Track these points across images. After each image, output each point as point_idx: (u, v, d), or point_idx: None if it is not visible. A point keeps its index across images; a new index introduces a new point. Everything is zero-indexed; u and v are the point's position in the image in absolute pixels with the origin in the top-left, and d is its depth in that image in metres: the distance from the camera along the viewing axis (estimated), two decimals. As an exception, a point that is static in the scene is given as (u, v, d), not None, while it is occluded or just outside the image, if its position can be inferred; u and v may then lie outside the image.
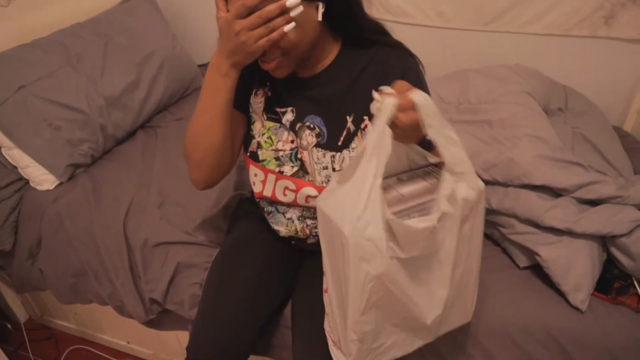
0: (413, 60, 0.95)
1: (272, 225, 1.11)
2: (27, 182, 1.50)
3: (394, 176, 0.84)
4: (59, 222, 1.40)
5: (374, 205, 0.67)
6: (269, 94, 1.01)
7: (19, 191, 1.49)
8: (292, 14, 0.78)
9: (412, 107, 0.69)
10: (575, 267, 1.04)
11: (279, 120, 1.00)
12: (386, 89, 0.72)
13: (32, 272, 1.51)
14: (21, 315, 1.84)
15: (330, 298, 0.83)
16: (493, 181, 1.16)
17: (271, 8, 0.76)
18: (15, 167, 1.48)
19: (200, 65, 2.03)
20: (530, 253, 1.10)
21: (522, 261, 1.14)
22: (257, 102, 1.02)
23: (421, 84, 0.94)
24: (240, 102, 0.99)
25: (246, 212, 1.22)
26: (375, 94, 0.71)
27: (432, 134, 0.70)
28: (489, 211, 1.18)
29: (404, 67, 0.93)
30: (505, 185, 1.15)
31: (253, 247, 1.12)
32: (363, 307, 0.73)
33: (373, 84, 0.92)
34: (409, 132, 0.73)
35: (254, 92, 1.02)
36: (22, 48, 1.52)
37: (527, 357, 1.04)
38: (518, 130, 1.19)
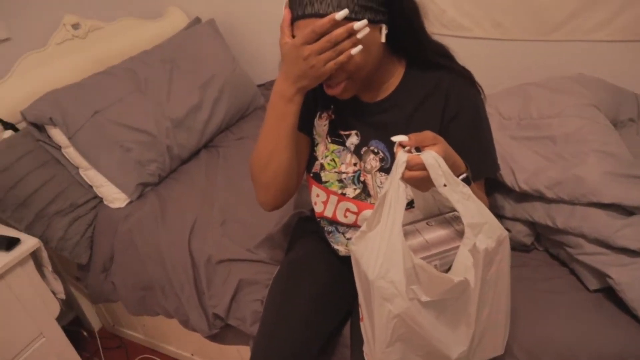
0: (474, 91, 0.95)
1: (331, 244, 1.12)
2: (101, 200, 1.60)
3: (423, 220, 0.89)
4: (130, 238, 1.49)
5: (395, 252, 0.74)
6: (333, 117, 1.02)
7: (94, 209, 1.59)
8: (359, 35, 0.79)
9: (421, 165, 0.73)
10: (653, 291, 0.97)
11: (342, 143, 1.01)
12: (401, 137, 0.76)
13: (105, 285, 1.60)
14: (95, 324, 1.97)
15: (365, 326, 0.89)
16: (558, 199, 1.12)
17: (339, 32, 0.78)
18: (91, 187, 1.59)
19: (259, 85, 2.09)
20: (601, 275, 1.05)
21: (592, 283, 1.08)
22: (321, 124, 1.04)
23: (476, 120, 0.94)
24: (304, 125, 1.02)
25: (305, 231, 1.24)
26: (396, 139, 0.76)
27: (444, 191, 0.75)
28: (554, 230, 1.13)
29: (463, 100, 0.93)
30: (571, 203, 1.10)
31: (313, 266, 1.14)
32: (388, 340, 0.79)
33: (435, 112, 0.92)
34: (417, 185, 0.79)
35: (318, 114, 1.04)
36: (96, 76, 1.64)
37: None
38: (584, 146, 1.14)
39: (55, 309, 1.43)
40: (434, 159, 0.73)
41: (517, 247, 1.23)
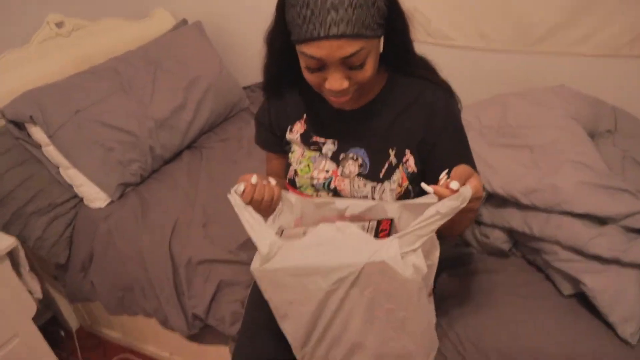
0: (455, 104, 0.97)
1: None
2: (81, 200, 1.59)
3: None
4: (110, 238, 1.47)
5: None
6: (306, 126, 1.04)
7: (74, 208, 1.58)
8: None
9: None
10: (623, 297, 1.00)
11: (319, 150, 1.03)
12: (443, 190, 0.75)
13: (83, 284, 1.59)
14: (73, 323, 1.94)
15: None
16: (533, 206, 1.14)
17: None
18: (71, 186, 1.57)
19: (245, 87, 2.09)
20: (574, 281, 1.07)
21: (567, 289, 1.10)
22: (294, 136, 1.05)
23: (459, 131, 0.97)
24: (275, 146, 1.10)
25: (286, 233, 1.25)
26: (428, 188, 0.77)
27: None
28: (531, 237, 1.15)
29: (449, 114, 0.95)
30: (546, 211, 1.12)
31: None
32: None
33: (417, 122, 0.94)
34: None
35: (289, 128, 1.05)
36: (79, 75, 1.62)
37: (571, 389, 1.01)
38: (560, 156, 1.16)
39: (32, 308, 1.41)
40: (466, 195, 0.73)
41: (495, 253, 1.25)
